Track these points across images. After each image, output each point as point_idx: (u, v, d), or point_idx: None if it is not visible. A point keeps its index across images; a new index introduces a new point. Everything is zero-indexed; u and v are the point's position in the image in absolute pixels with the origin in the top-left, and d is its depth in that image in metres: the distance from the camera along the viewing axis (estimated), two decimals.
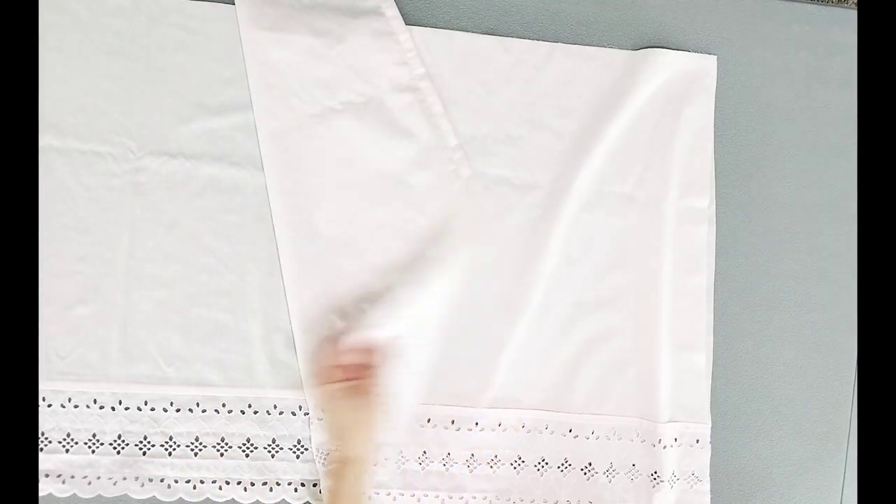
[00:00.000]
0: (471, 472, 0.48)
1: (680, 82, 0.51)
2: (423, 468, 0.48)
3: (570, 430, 0.49)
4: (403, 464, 0.48)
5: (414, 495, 0.47)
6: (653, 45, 0.52)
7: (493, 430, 0.48)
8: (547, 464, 0.49)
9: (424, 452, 0.48)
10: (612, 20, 0.52)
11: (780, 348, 0.53)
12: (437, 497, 0.47)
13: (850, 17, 0.54)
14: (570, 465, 0.49)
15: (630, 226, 0.50)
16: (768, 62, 0.53)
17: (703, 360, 0.50)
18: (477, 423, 0.48)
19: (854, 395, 0.53)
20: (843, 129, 0.54)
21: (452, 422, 0.48)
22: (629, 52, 0.51)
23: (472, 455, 0.48)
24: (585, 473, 0.48)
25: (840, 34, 0.53)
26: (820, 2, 0.57)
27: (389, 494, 0.47)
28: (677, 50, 0.52)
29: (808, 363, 0.53)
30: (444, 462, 0.48)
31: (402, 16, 0.50)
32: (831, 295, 0.54)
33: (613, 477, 0.49)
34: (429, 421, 0.48)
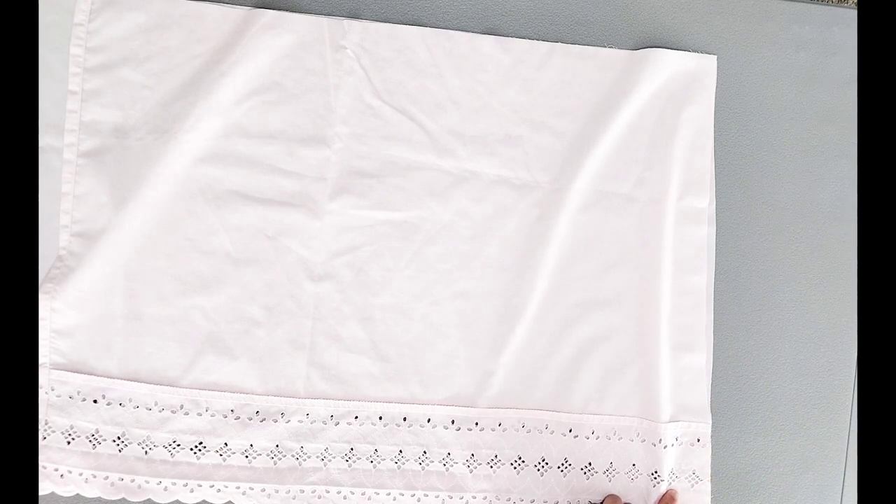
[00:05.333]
0: (471, 472, 0.48)
1: (680, 82, 0.51)
2: (424, 468, 0.48)
3: (570, 430, 0.49)
4: (404, 464, 0.47)
5: (414, 495, 0.47)
6: (653, 44, 0.52)
7: (494, 431, 0.49)
8: (547, 464, 0.48)
9: (424, 452, 0.48)
10: (612, 20, 0.52)
11: (780, 348, 0.53)
12: (437, 497, 0.47)
13: (850, 17, 0.53)
14: (570, 465, 0.48)
15: (630, 226, 0.50)
16: (768, 62, 0.53)
17: (703, 359, 0.50)
18: (477, 423, 0.48)
19: (854, 395, 0.53)
20: (843, 129, 0.53)
21: (452, 422, 0.48)
22: (629, 51, 0.51)
23: (473, 455, 0.48)
24: (585, 473, 0.48)
25: (840, 34, 0.53)
26: (820, 2, 0.57)
27: (389, 494, 0.47)
28: (677, 50, 0.52)
29: (808, 363, 0.53)
30: (444, 462, 0.48)
31: (401, 14, 0.49)
32: (831, 295, 0.53)
33: (613, 476, 0.49)
34: (429, 421, 0.48)
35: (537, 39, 0.50)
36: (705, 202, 0.51)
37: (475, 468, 0.48)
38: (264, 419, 0.47)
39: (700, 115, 0.51)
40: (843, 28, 0.53)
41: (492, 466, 0.48)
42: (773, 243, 0.53)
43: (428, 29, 0.49)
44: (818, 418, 0.53)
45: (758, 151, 0.53)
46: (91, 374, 0.46)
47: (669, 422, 0.49)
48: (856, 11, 0.52)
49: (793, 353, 0.53)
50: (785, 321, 0.52)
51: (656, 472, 0.49)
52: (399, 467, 0.47)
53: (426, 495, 0.47)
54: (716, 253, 0.52)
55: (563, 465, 0.49)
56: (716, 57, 0.52)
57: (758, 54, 0.53)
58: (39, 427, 0.45)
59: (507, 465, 0.48)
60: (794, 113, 0.53)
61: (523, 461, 0.48)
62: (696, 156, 0.51)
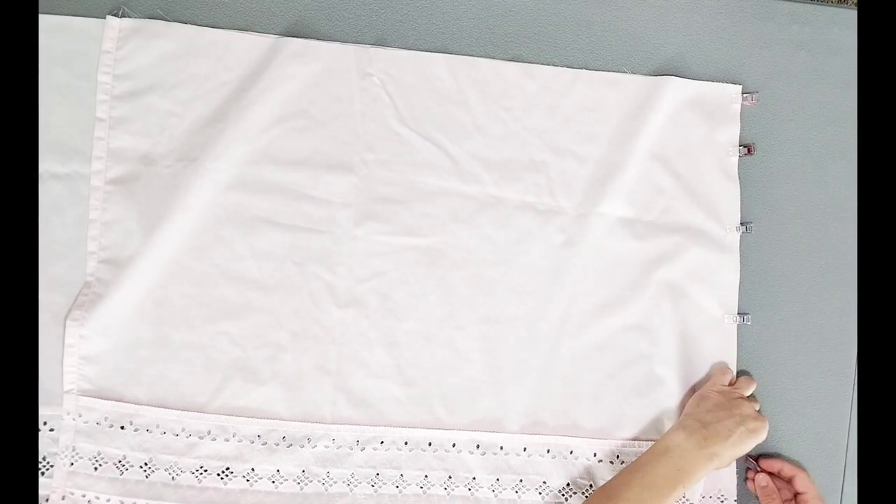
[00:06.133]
0: (496, 496, 0.50)
1: (705, 110, 0.53)
2: (449, 493, 0.50)
3: (595, 455, 0.51)
4: (429, 489, 0.50)
5: None
6: (653, 44, 0.53)
7: (519, 455, 0.51)
8: (572, 489, 0.51)
9: (450, 477, 0.50)
10: (621, 34, 0.53)
11: (780, 348, 0.54)
12: None
13: (850, 17, 0.56)
14: (593, 489, 0.51)
15: (656, 252, 0.52)
16: (768, 62, 0.54)
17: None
18: (502, 448, 0.50)
19: (854, 395, 0.53)
20: (843, 129, 0.54)
21: (477, 446, 0.50)
22: (652, 77, 0.53)
23: (498, 479, 0.50)
24: None
25: (840, 34, 0.55)
26: (820, 2, 0.56)
27: None
28: (680, 64, 0.53)
29: (808, 363, 0.53)
30: (469, 487, 0.50)
31: (427, 42, 0.52)
32: (831, 295, 0.55)
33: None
34: (454, 445, 0.50)
35: (561, 66, 0.52)
36: (734, 231, 0.53)
37: (500, 493, 0.50)
38: (291, 444, 0.49)
39: (726, 143, 0.53)
40: (843, 28, 0.55)
41: (517, 491, 0.50)
42: (773, 243, 0.55)
43: (453, 56, 0.52)
44: (818, 418, 0.53)
45: (758, 151, 0.55)
46: (119, 401, 0.48)
47: None
48: (856, 11, 0.53)
49: (793, 353, 0.53)
50: (785, 321, 0.54)
51: (685, 497, 0.50)
52: (424, 492, 0.50)
53: None
54: None
55: (587, 489, 0.51)
56: (740, 87, 0.53)
57: (758, 54, 0.53)
58: (67, 453, 0.47)
59: (532, 489, 0.50)
60: (794, 113, 0.55)
61: (548, 486, 0.50)
62: (723, 184, 0.53)
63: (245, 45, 0.49)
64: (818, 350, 0.54)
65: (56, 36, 0.48)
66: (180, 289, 0.48)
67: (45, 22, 0.48)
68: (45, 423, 0.47)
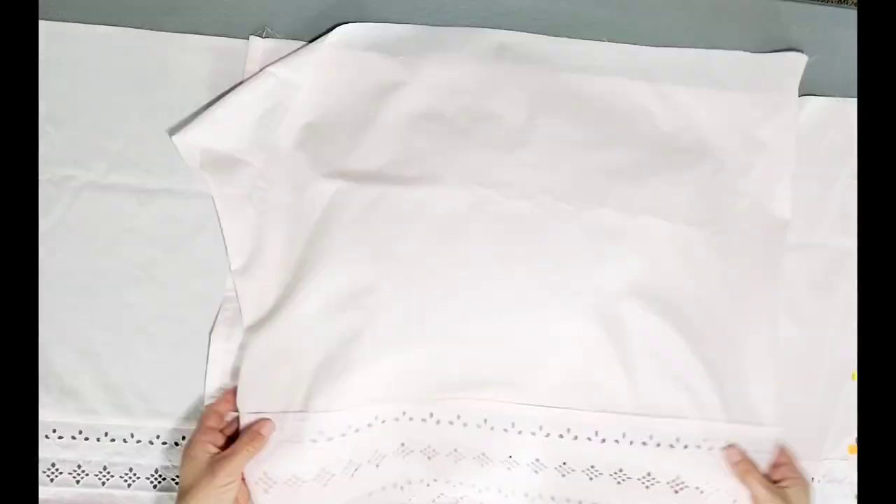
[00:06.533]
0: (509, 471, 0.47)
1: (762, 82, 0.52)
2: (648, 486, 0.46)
3: (625, 436, 0.47)
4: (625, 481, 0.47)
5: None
6: (652, 44, 0.53)
7: (535, 434, 0.48)
8: (596, 470, 0.47)
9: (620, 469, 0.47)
10: (614, 21, 0.52)
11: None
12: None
13: (850, 17, 0.55)
14: (625, 475, 0.47)
15: (693, 238, 0.50)
16: None
17: (769, 366, 0.49)
18: (513, 425, 0.48)
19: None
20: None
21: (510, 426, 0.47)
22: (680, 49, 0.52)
23: (510, 457, 0.48)
24: (615, 477, 0.47)
25: (840, 34, 0.53)
26: (820, 2, 0.55)
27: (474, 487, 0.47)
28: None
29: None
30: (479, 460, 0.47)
31: (433, 44, 0.51)
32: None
33: (652, 484, 0.47)
34: (487, 421, 0.47)
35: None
36: (784, 214, 0.51)
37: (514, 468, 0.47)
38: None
39: (782, 126, 0.51)
40: (843, 28, 0.53)
41: (537, 472, 0.47)
42: None
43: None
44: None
45: None
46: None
47: (728, 422, 0.47)
48: (856, 11, 0.51)
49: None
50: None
51: (698, 488, 0.46)
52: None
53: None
54: None
55: (616, 473, 0.47)
56: (806, 57, 0.52)
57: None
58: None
59: (552, 469, 0.47)
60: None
61: (569, 467, 0.47)
62: (776, 169, 0.51)
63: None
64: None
65: (201, 55, 0.49)
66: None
67: (191, 42, 0.49)
68: (54, 431, 0.46)
